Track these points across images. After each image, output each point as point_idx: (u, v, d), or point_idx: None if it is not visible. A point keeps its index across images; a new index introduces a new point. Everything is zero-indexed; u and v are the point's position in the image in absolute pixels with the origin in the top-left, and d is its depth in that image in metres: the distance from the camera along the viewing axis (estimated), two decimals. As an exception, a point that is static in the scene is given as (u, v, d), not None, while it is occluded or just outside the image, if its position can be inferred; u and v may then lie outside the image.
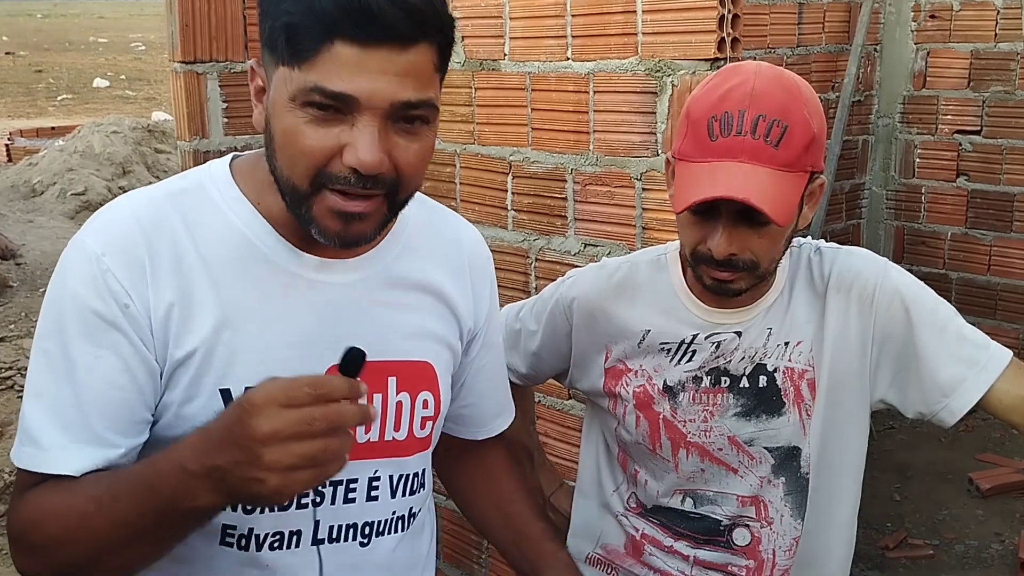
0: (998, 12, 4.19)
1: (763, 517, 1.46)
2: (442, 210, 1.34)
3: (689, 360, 1.44)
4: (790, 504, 1.45)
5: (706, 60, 1.98)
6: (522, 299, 2.44)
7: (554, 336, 1.58)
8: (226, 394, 1.08)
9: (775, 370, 1.42)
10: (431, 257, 1.24)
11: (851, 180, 4.53)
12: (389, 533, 1.23)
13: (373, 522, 1.20)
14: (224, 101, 2.78)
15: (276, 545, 1.13)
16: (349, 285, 1.15)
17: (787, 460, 1.44)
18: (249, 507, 1.09)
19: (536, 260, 2.44)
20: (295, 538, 1.14)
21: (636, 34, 2.10)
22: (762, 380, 1.42)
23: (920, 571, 3.28)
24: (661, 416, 1.45)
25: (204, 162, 2.98)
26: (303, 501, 1.12)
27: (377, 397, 1.16)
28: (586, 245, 2.31)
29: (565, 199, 2.33)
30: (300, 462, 0.90)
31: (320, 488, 1.13)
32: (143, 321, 1.06)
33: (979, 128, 4.34)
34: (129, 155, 9.25)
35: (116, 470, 1.05)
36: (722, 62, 1.97)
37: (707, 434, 1.44)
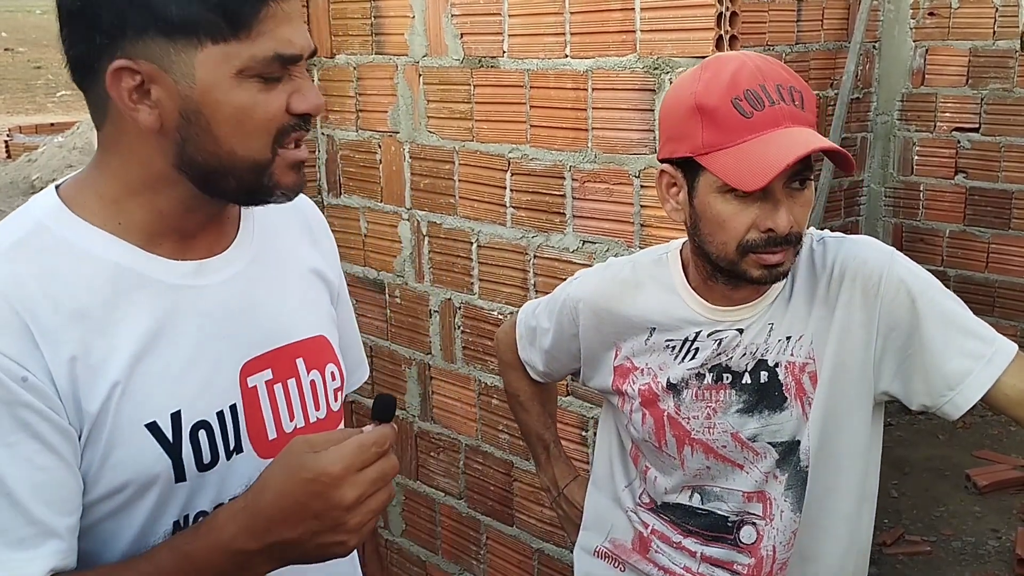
0: (996, 9, 4.19)
1: (768, 514, 1.46)
2: None
3: (692, 358, 1.44)
4: (790, 498, 1.46)
5: (704, 57, 1.98)
6: (520, 296, 2.46)
7: (563, 335, 1.61)
8: (152, 427, 1.02)
9: (776, 365, 1.42)
10: (285, 231, 1.22)
11: (849, 177, 4.53)
12: None
13: None
14: (223, 98, 2.78)
15: None
16: (231, 280, 1.11)
17: (789, 454, 1.44)
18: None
19: (534, 257, 2.45)
20: None
21: (634, 31, 2.10)
22: (763, 376, 1.42)
23: (917, 567, 3.29)
24: (665, 413, 1.47)
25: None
26: None
27: (291, 382, 1.14)
28: (584, 242, 2.32)
29: (563, 196, 2.34)
30: (374, 516, 0.95)
31: None
32: (47, 389, 0.96)
33: (977, 126, 4.34)
34: (128, 151, 9.22)
35: (116, 570, 1.00)
36: (720, 59, 1.97)
37: (710, 431, 1.45)
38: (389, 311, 2.93)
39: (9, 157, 10.76)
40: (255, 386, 1.10)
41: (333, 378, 1.21)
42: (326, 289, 1.27)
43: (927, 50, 4.43)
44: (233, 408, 1.08)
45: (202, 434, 1.05)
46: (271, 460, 1.05)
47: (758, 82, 1.27)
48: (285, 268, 1.19)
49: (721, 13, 1.95)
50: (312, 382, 1.17)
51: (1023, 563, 3.19)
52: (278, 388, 1.12)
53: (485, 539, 2.78)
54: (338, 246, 3.10)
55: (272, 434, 1.12)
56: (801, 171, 1.28)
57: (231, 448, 1.08)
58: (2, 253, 1.01)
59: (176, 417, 1.03)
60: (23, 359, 0.95)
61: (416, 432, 2.92)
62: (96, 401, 0.99)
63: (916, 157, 4.54)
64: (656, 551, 1.55)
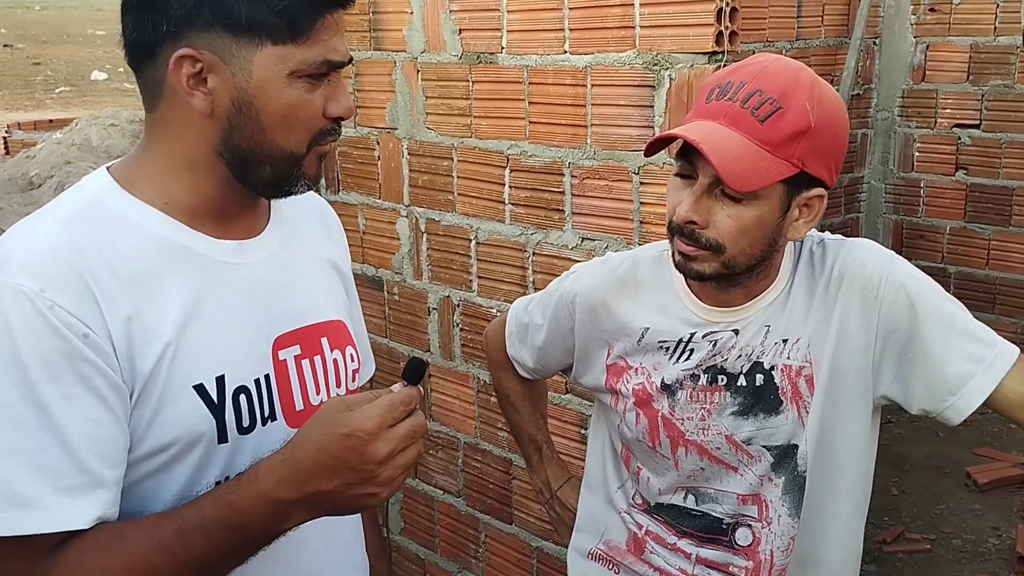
0: (997, 5, 4.18)
1: (764, 516, 1.45)
2: None
3: (687, 359, 1.43)
4: (787, 503, 1.44)
5: (704, 53, 1.97)
6: (519, 293, 2.45)
7: (558, 331, 1.58)
8: (199, 389, 1.10)
9: (772, 368, 1.40)
10: (305, 223, 1.32)
11: (850, 174, 4.52)
12: None
13: None
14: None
15: None
16: (265, 261, 1.21)
17: (786, 458, 1.43)
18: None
19: (533, 254, 2.43)
20: None
21: (634, 27, 2.09)
22: (759, 379, 1.41)
23: (917, 565, 3.28)
24: (660, 414, 1.45)
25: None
26: None
27: (317, 359, 1.23)
28: (583, 239, 2.31)
29: (563, 193, 2.32)
30: (404, 471, 1.02)
31: None
32: (106, 346, 1.04)
33: (978, 122, 4.33)
34: (127, 148, 9.24)
35: (161, 518, 1.04)
36: (720, 56, 1.96)
37: (705, 432, 1.43)
38: (387, 308, 2.92)
39: (7, 154, 10.74)
40: (285, 359, 1.19)
41: (352, 360, 1.30)
42: (340, 280, 1.37)
43: (928, 46, 4.42)
44: (267, 378, 1.17)
45: (242, 398, 1.13)
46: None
47: (744, 79, 1.26)
48: (308, 256, 1.29)
49: (721, 9, 1.94)
50: (335, 361, 1.26)
51: (1023, 561, 3.18)
52: (305, 363, 1.22)
53: (484, 537, 2.77)
54: (336, 243, 3.05)
55: (300, 405, 1.20)
56: (720, 183, 1.25)
57: (266, 415, 1.16)
58: (63, 223, 1.09)
59: (220, 380, 1.11)
60: (86, 317, 1.03)
61: (415, 430, 2.90)
62: (150, 360, 1.07)
63: (916, 153, 4.52)
64: (651, 552, 1.53)
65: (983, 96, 4.30)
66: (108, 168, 1.17)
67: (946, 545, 3.39)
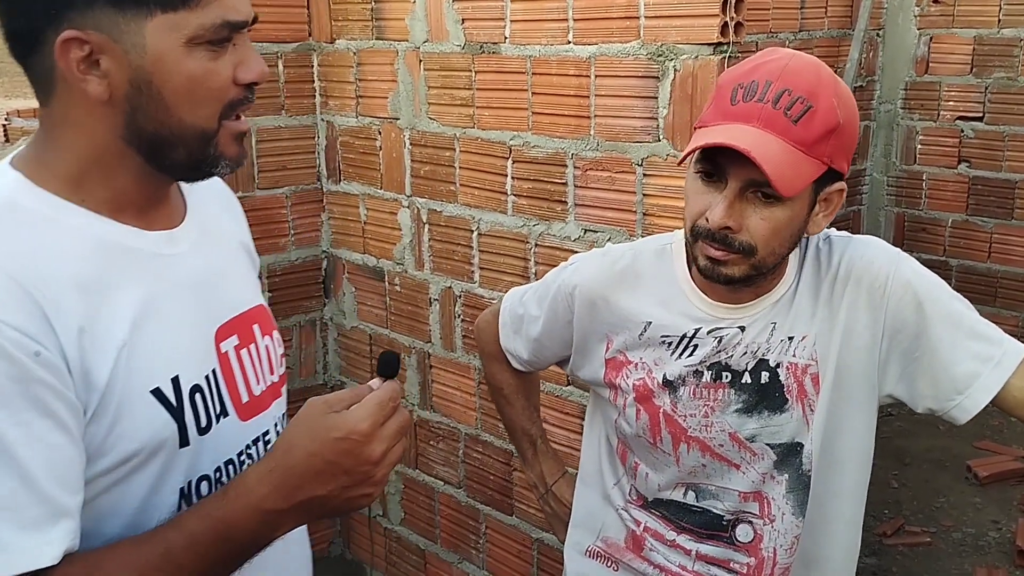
0: (1002, -3, 4.16)
1: (766, 514, 1.44)
2: None
3: (690, 354, 1.41)
4: (791, 502, 1.43)
5: (709, 44, 1.96)
6: (521, 284, 2.43)
7: (555, 322, 1.55)
8: (157, 393, 1.03)
9: (778, 366, 1.39)
10: (211, 207, 1.24)
11: (852, 166, 4.49)
12: None
13: None
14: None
15: None
16: (192, 251, 1.14)
17: (789, 456, 1.42)
18: (206, 495, 1.09)
19: (536, 246, 2.42)
20: None
21: (638, 18, 2.08)
22: (764, 376, 1.39)
23: (917, 558, 3.28)
24: (661, 410, 1.43)
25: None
26: (243, 470, 1.11)
27: (252, 347, 1.18)
28: (586, 231, 2.30)
29: (565, 184, 2.31)
30: (392, 467, 1.00)
31: (248, 451, 1.15)
32: (59, 363, 0.95)
33: (981, 114, 4.31)
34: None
35: (140, 544, 0.99)
36: (725, 47, 1.95)
37: (708, 429, 1.41)
38: (389, 299, 2.91)
39: (8, 141, 10.70)
40: (227, 351, 1.14)
41: (279, 344, 1.26)
42: (251, 263, 1.31)
43: (931, 38, 4.40)
44: (215, 372, 1.11)
45: (198, 398, 1.07)
46: (253, 420, 1.14)
47: (769, 79, 1.24)
48: (225, 241, 1.24)
49: (726, 0, 1.92)
50: (267, 347, 1.21)
51: (1023, 554, 3.18)
52: (244, 353, 1.17)
53: (484, 528, 2.77)
54: (338, 233, 3.09)
55: (245, 397, 1.15)
56: (758, 183, 1.23)
57: (218, 412, 1.10)
58: None
59: (176, 382, 1.05)
60: (35, 333, 0.94)
61: (416, 421, 2.90)
62: (105, 370, 0.99)
63: (919, 146, 4.51)
64: (651, 549, 1.51)
65: (986, 89, 4.28)
66: (11, 163, 1.05)
67: (946, 538, 3.39)
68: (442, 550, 2.93)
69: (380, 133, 2.80)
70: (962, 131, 4.38)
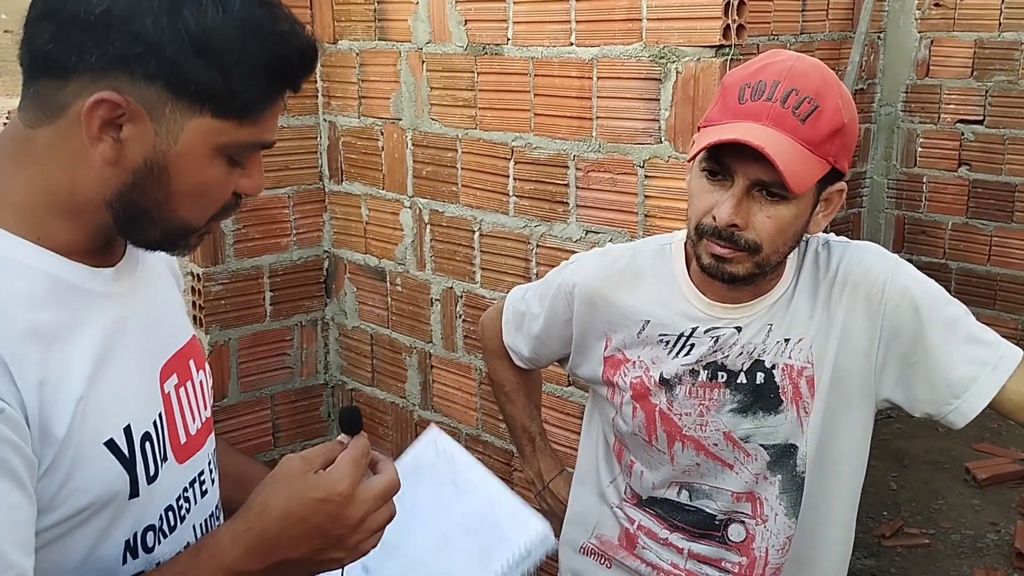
0: (1003, 1, 4.17)
1: (758, 514, 1.45)
2: None
3: (687, 354, 1.42)
4: (785, 502, 1.44)
5: (711, 47, 1.97)
6: (523, 285, 2.44)
7: (555, 320, 1.56)
8: (110, 445, 0.97)
9: (773, 367, 1.40)
10: None
11: (852, 169, 4.50)
12: (221, 510, 1.21)
13: (217, 503, 1.19)
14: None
15: None
16: (136, 287, 1.08)
17: (783, 457, 1.43)
18: (151, 546, 1.04)
19: (537, 246, 2.43)
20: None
21: (641, 20, 2.08)
22: (760, 377, 1.40)
23: (916, 560, 3.29)
24: (657, 408, 1.44)
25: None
26: (182, 515, 1.09)
27: (189, 385, 1.13)
28: (588, 232, 2.30)
29: (567, 185, 2.32)
30: (372, 536, 0.98)
31: (186, 495, 1.10)
32: (20, 418, 0.89)
33: (982, 117, 4.32)
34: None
35: None
36: (727, 49, 1.95)
37: (703, 428, 1.42)
38: (390, 299, 2.92)
39: (8, 140, 10.72)
40: (169, 392, 1.09)
41: (209, 376, 1.21)
42: (178, 286, 1.27)
43: (932, 41, 4.40)
44: (161, 417, 1.06)
45: (148, 446, 1.02)
46: (190, 462, 1.09)
47: (776, 79, 1.25)
48: (156, 270, 1.17)
49: (729, 2, 1.93)
50: (200, 382, 1.17)
51: (1022, 557, 3.19)
52: (182, 392, 1.12)
53: (484, 528, 2.77)
54: (339, 233, 3.10)
55: (183, 438, 1.09)
56: (766, 182, 1.24)
57: (161, 457, 1.04)
58: None
59: (128, 431, 1.00)
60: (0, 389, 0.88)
61: (416, 421, 2.91)
62: (63, 423, 0.92)
63: (919, 149, 4.52)
64: (643, 547, 1.52)
65: (987, 92, 4.29)
66: None
67: (945, 540, 3.39)
68: (442, 550, 2.93)
69: (382, 134, 2.81)
70: (962, 134, 4.38)
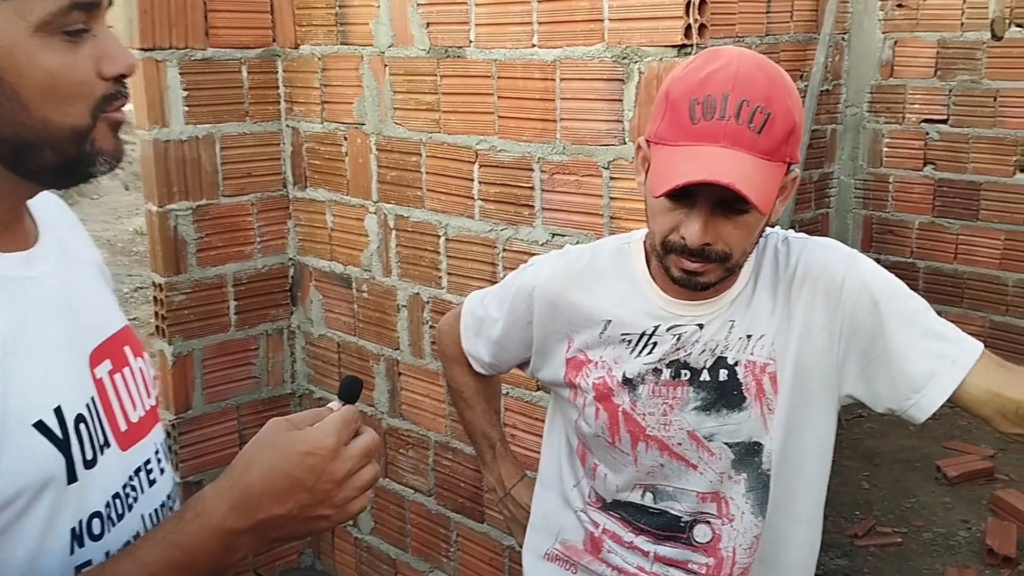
0: (964, 1, 4.20)
1: (724, 514, 1.43)
2: None
3: (649, 352, 1.40)
4: (751, 501, 1.43)
5: (673, 47, 1.96)
6: (489, 290, 2.42)
7: (516, 324, 1.54)
8: (40, 426, 0.95)
9: (736, 363, 1.39)
10: (61, 226, 1.15)
11: (820, 169, 4.54)
12: (176, 500, 1.19)
13: (168, 494, 1.16)
14: (185, 89, 2.73)
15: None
16: (55, 272, 1.04)
17: (748, 456, 1.41)
18: (98, 533, 1.02)
19: (503, 250, 2.41)
20: (136, 539, 1.09)
21: (603, 20, 2.07)
22: (723, 374, 1.39)
23: (889, 559, 3.29)
24: (620, 408, 1.42)
25: (164, 151, 2.92)
26: (129, 503, 1.07)
27: (126, 371, 1.10)
28: (554, 235, 2.29)
29: (532, 188, 2.30)
30: (359, 492, 0.96)
31: (132, 483, 1.08)
32: None
33: (946, 117, 4.36)
34: (93, 146, 9.11)
35: (102, 570, 0.94)
36: (689, 49, 1.94)
37: (666, 427, 1.41)
38: (356, 306, 2.89)
39: None
40: (101, 378, 1.06)
41: (150, 365, 1.19)
42: (107, 283, 1.23)
43: (896, 42, 4.44)
44: (94, 401, 1.03)
45: (82, 428, 0.99)
46: (133, 449, 1.06)
47: (724, 90, 1.22)
48: (81, 261, 1.14)
49: (690, 1, 1.92)
50: (140, 369, 1.14)
51: (993, 553, 3.21)
52: (118, 378, 1.09)
53: (455, 536, 2.74)
54: (304, 240, 3.06)
55: (123, 426, 1.07)
56: (729, 199, 1.23)
57: (101, 443, 1.02)
58: None
59: (59, 412, 0.97)
60: None
61: (385, 429, 2.88)
62: None
63: (885, 149, 4.55)
64: (609, 551, 1.50)
65: (950, 91, 4.33)
66: None
67: (917, 538, 3.40)
68: (413, 559, 2.90)
69: (346, 139, 2.78)
70: (927, 133, 4.42)
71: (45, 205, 1.10)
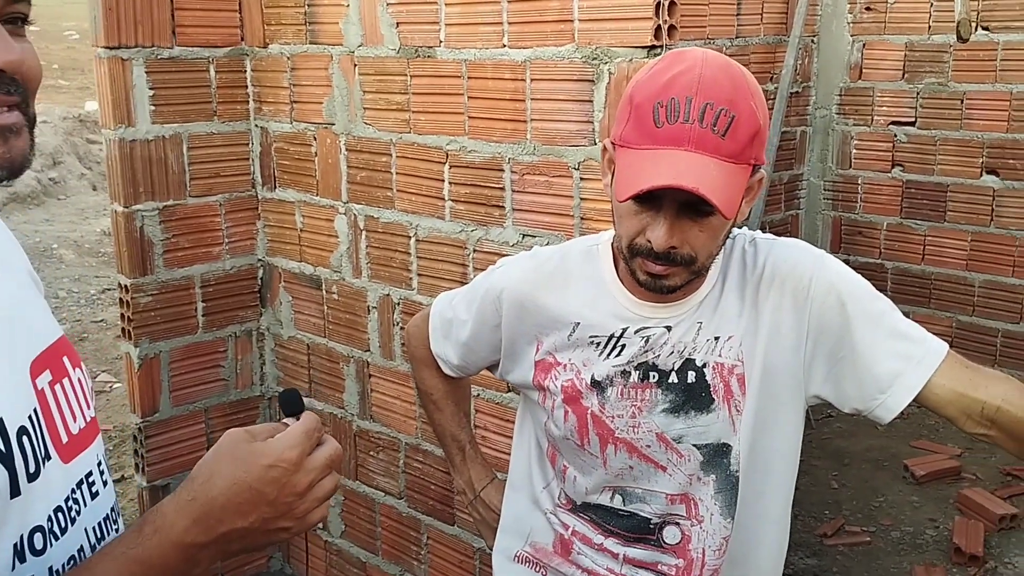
0: (931, 4, 4.24)
1: (694, 515, 1.43)
2: None
3: (618, 354, 1.40)
4: (720, 502, 1.43)
5: (643, 48, 1.96)
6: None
7: (484, 326, 1.53)
8: None
9: (704, 365, 1.38)
10: None
11: (789, 171, 4.56)
12: (119, 514, 1.16)
13: (112, 506, 1.13)
14: (151, 88, 2.69)
15: (71, 567, 1.05)
16: None
17: (716, 457, 1.41)
18: (40, 548, 0.98)
19: (474, 251, 2.40)
20: (81, 555, 1.07)
21: (572, 21, 2.07)
22: (691, 375, 1.39)
23: (857, 558, 3.31)
24: (589, 411, 1.42)
25: (131, 150, 2.88)
26: (72, 516, 1.03)
27: (65, 382, 1.07)
28: (524, 235, 2.28)
29: (503, 189, 2.30)
30: (320, 503, 0.95)
31: (74, 496, 1.05)
32: None
33: (913, 119, 4.39)
34: (60, 146, 9.00)
35: None
36: (659, 50, 1.94)
37: (635, 430, 1.40)
38: (326, 307, 2.87)
39: None
40: (43, 388, 1.03)
41: (88, 376, 1.15)
42: (40, 292, 1.19)
43: (864, 44, 4.47)
44: (36, 412, 1.00)
45: (25, 440, 0.97)
46: (75, 462, 1.02)
47: (688, 94, 1.21)
48: (13, 269, 1.10)
49: (660, 2, 1.92)
50: (79, 380, 1.11)
51: (960, 552, 3.24)
52: (58, 389, 1.06)
53: (426, 539, 2.73)
54: (273, 241, 3.03)
55: (65, 437, 1.05)
56: (694, 203, 1.22)
57: (42, 455, 1.00)
58: None
59: (1, 425, 0.93)
60: None
61: (355, 431, 2.86)
62: None
63: (854, 151, 4.58)
64: (578, 553, 1.50)
65: (918, 94, 4.36)
66: None
67: (885, 537, 3.43)
68: (383, 562, 2.89)
69: (315, 139, 2.76)
70: (895, 136, 4.45)
71: None
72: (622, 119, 1.29)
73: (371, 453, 2.83)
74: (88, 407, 1.10)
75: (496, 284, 1.51)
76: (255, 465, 0.91)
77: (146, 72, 2.68)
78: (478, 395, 2.44)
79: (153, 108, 2.71)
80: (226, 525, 0.92)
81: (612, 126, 1.35)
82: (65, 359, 1.09)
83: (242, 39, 2.86)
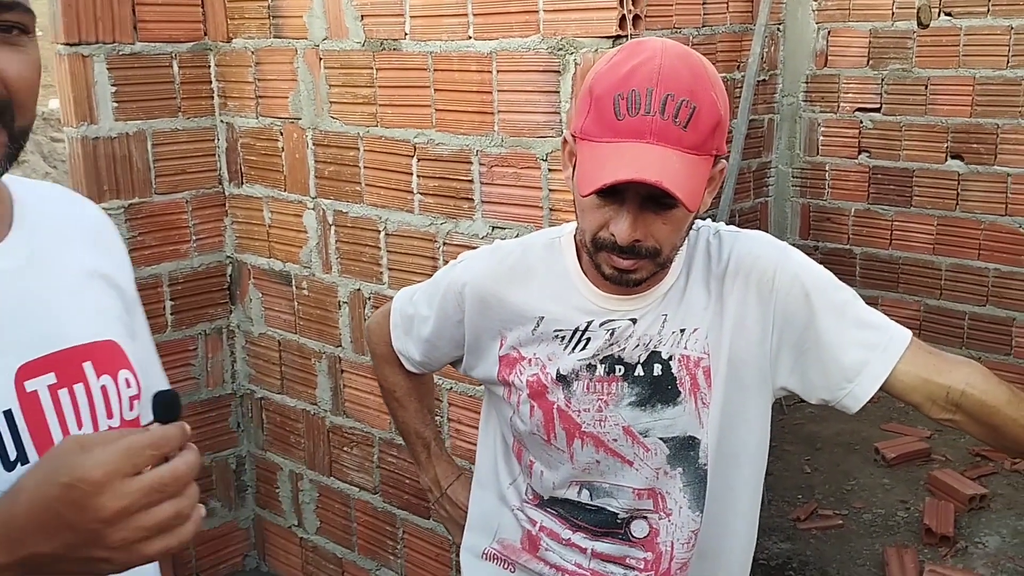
0: (895, -9, 4.29)
1: (661, 508, 1.43)
2: (46, 185, 1.20)
3: (583, 348, 1.39)
4: (688, 495, 1.43)
5: (608, 37, 1.96)
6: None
7: (446, 322, 1.51)
8: None
9: (670, 358, 1.38)
10: (64, 234, 1.11)
11: (758, 159, 4.59)
12: None
13: None
14: (113, 85, 2.66)
15: None
16: (9, 273, 1.00)
17: (683, 450, 1.41)
18: None
19: (444, 244, 2.39)
20: None
21: (537, 12, 2.06)
22: (657, 368, 1.38)
23: (830, 541, 3.35)
24: (555, 406, 1.41)
25: (94, 148, 2.84)
26: None
27: (78, 387, 1.03)
28: (494, 228, 2.27)
29: (471, 181, 2.29)
30: (152, 532, 0.81)
31: None
32: None
33: (879, 105, 4.43)
34: (32, 150, 8.89)
35: None
36: (624, 40, 1.94)
37: (602, 424, 1.40)
38: (296, 303, 2.85)
39: None
40: (35, 391, 0.99)
41: (128, 385, 1.09)
42: (118, 297, 1.17)
43: (829, 32, 4.50)
44: (8, 414, 0.95)
45: None
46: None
47: (648, 85, 1.20)
48: (69, 269, 1.08)
49: (624, -8, 1.92)
50: (103, 388, 1.06)
51: (931, 533, 3.28)
52: (63, 393, 1.02)
53: (402, 533, 2.72)
54: (242, 237, 3.00)
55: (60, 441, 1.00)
56: (657, 195, 1.22)
57: (12, 458, 0.94)
58: None
59: None
60: None
61: (328, 427, 2.84)
62: None
63: (821, 138, 4.62)
64: (546, 549, 1.49)
65: (883, 80, 4.40)
66: None
67: (857, 520, 3.47)
68: (360, 557, 2.88)
69: (282, 134, 2.73)
70: (861, 122, 4.49)
71: (52, 212, 1.08)
72: (582, 111, 1.28)
73: (345, 449, 2.82)
74: (110, 416, 1.05)
75: (458, 279, 1.49)
76: (55, 483, 0.80)
77: (108, 68, 2.65)
78: (451, 388, 2.44)
79: (116, 105, 2.68)
80: (29, 547, 0.82)
81: (573, 118, 1.34)
82: (88, 365, 1.04)
83: (205, 34, 2.83)
